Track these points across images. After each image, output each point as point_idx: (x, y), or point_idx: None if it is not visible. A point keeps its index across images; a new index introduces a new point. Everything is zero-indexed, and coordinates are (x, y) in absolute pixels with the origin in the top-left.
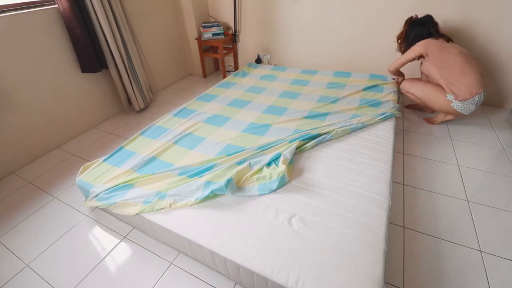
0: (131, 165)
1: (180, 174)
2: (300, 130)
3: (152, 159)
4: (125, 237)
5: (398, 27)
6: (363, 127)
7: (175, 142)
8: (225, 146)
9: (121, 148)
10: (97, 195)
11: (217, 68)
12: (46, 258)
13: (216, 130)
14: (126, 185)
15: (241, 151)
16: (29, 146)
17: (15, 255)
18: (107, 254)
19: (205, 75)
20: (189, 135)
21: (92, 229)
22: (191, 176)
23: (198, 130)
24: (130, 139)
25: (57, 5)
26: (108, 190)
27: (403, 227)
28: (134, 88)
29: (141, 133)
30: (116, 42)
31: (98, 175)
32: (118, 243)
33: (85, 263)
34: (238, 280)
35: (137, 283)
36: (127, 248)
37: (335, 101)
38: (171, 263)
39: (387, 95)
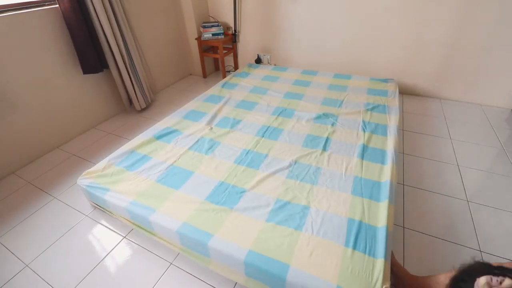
0: (149, 172)
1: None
2: (312, 135)
3: (172, 168)
4: (125, 237)
5: (398, 29)
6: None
7: (190, 148)
8: (242, 152)
9: (132, 152)
10: None
11: (217, 68)
12: (46, 258)
13: (229, 133)
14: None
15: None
16: (29, 146)
17: (15, 255)
18: (107, 254)
19: (205, 75)
20: (202, 140)
21: (92, 229)
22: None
23: (212, 134)
24: (141, 141)
25: (57, 5)
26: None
27: (403, 227)
28: (136, 87)
29: (156, 137)
30: (117, 42)
31: (111, 179)
32: (118, 243)
33: (85, 263)
34: None
35: (137, 283)
36: (127, 248)
37: (340, 104)
38: (171, 263)
39: (392, 100)
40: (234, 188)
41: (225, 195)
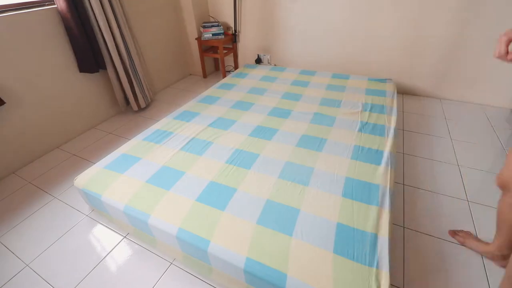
0: (141, 174)
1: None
2: (308, 136)
3: (163, 169)
4: (125, 237)
5: (398, 28)
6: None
7: (182, 149)
8: (234, 151)
9: (122, 155)
10: None
11: (217, 68)
12: (46, 258)
13: (222, 134)
14: None
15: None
16: (29, 146)
17: (15, 255)
18: (107, 254)
19: (205, 75)
20: (194, 140)
21: (92, 229)
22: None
23: (204, 135)
24: (129, 141)
25: (56, 5)
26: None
27: (403, 227)
28: (135, 87)
29: (143, 138)
30: (116, 42)
31: (103, 183)
32: (118, 243)
33: (85, 263)
34: None
35: (137, 283)
36: (127, 248)
37: (338, 104)
38: (171, 263)
39: (390, 100)
40: (225, 188)
41: (216, 195)
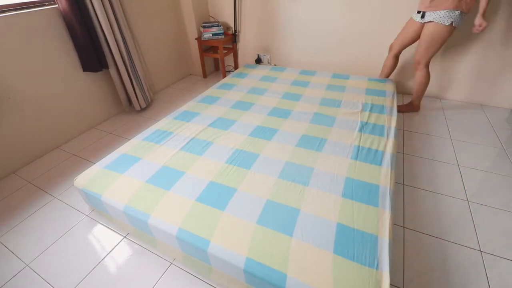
0: (141, 174)
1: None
2: (308, 135)
3: (163, 169)
4: (125, 237)
5: (398, 29)
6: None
7: (182, 149)
8: (234, 151)
9: (122, 155)
10: None
11: (217, 68)
12: (46, 258)
13: (222, 133)
14: None
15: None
16: (29, 146)
17: (15, 255)
18: (107, 254)
19: (205, 75)
20: (194, 140)
21: (92, 229)
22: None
23: (204, 135)
24: (129, 141)
25: (57, 5)
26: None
27: (403, 227)
28: (136, 87)
29: (143, 138)
30: (117, 42)
31: (103, 183)
32: (118, 243)
33: (85, 263)
34: None
35: (137, 283)
36: (127, 248)
37: (338, 104)
38: (171, 263)
39: (390, 100)
40: (225, 188)
41: (215, 195)
